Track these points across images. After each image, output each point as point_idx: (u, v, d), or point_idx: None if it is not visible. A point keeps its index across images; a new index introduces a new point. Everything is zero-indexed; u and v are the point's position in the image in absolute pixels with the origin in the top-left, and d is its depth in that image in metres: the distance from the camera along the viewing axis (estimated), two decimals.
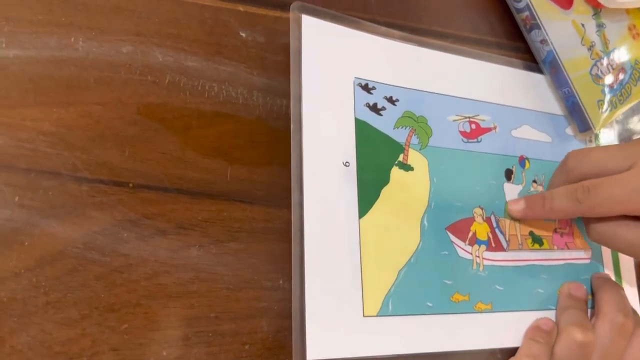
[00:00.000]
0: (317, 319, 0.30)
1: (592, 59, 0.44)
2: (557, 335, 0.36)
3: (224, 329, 0.30)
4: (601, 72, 0.44)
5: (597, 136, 0.47)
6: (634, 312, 0.38)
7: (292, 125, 0.33)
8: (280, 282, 0.32)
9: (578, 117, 0.44)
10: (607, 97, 0.44)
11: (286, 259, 0.32)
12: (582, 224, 0.43)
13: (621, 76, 0.45)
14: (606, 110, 0.44)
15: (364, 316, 0.32)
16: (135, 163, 0.30)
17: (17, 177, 0.28)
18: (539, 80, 0.45)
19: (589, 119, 0.44)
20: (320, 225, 0.32)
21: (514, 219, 0.40)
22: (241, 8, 0.35)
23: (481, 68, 0.42)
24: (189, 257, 0.30)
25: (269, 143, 0.33)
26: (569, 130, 0.45)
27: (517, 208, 0.39)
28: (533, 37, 0.44)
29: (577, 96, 0.44)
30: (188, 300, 0.30)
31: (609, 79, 0.44)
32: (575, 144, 0.45)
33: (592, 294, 0.40)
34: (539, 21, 0.44)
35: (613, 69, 0.44)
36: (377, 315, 0.32)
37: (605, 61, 0.44)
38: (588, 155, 0.38)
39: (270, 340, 0.31)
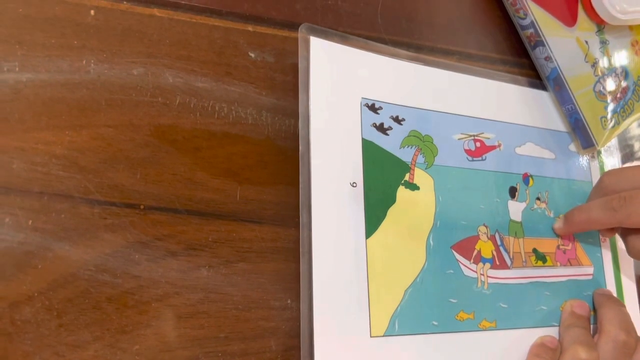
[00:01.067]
0: (325, 339, 0.31)
1: (596, 76, 0.44)
2: (561, 353, 0.36)
3: (234, 349, 0.30)
4: (604, 88, 0.44)
5: (599, 152, 0.47)
6: (635, 329, 0.38)
7: (300, 146, 0.33)
8: (289, 301, 0.32)
9: (581, 134, 0.45)
10: (610, 113, 0.44)
11: (294, 278, 0.32)
12: (585, 240, 0.43)
13: (624, 92, 0.45)
14: (609, 126, 0.44)
15: (371, 336, 0.32)
16: (146, 185, 0.30)
17: (30, 201, 0.28)
18: (542, 97, 0.45)
19: (592, 136, 0.44)
20: (328, 246, 0.32)
21: (517, 236, 0.40)
22: (250, 28, 0.35)
23: (486, 86, 0.42)
24: (199, 278, 0.30)
25: (278, 163, 0.34)
26: (572, 147, 0.46)
27: (559, 226, 0.41)
28: (537, 54, 0.45)
29: (580, 113, 0.44)
30: (198, 320, 0.30)
31: (612, 96, 0.44)
32: (578, 160, 0.46)
33: (594, 310, 0.41)
34: (543, 38, 0.44)
35: (616, 85, 0.45)
36: (384, 335, 0.33)
37: (608, 78, 0.44)
38: (624, 172, 0.39)
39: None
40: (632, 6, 0.42)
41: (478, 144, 0.40)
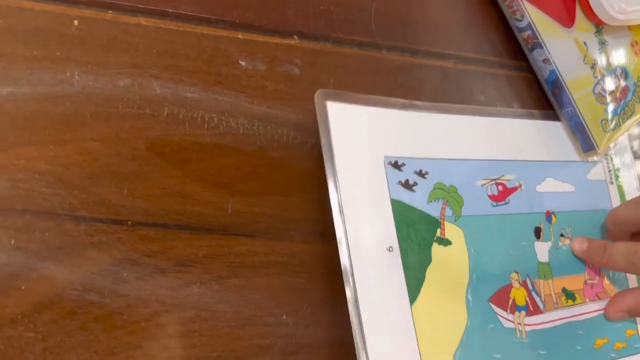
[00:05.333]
0: None
1: (595, 78, 0.43)
2: None
3: None
4: (604, 90, 0.43)
5: (617, 177, 0.47)
6: None
7: (334, 217, 0.31)
8: (284, 317, 0.31)
9: (581, 137, 0.44)
10: (611, 115, 0.43)
11: (288, 292, 0.31)
12: (610, 272, 0.43)
13: (624, 94, 0.44)
14: (610, 129, 0.43)
15: None
16: (134, 200, 0.29)
17: (13, 219, 0.27)
18: (556, 129, 0.44)
19: (592, 139, 0.43)
20: (378, 320, 0.31)
21: (546, 277, 0.39)
22: (240, 36, 0.34)
23: (501, 126, 0.41)
24: (190, 295, 0.29)
25: (270, 174, 0.33)
26: (591, 175, 0.45)
27: (578, 247, 0.40)
28: (535, 57, 0.44)
29: (580, 116, 0.43)
30: (189, 340, 0.29)
31: (612, 98, 0.43)
32: (597, 188, 0.45)
33: None
34: (540, 40, 0.43)
35: (616, 87, 0.44)
36: None
37: (608, 79, 0.44)
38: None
39: None
40: (630, 6, 0.41)
41: (500, 188, 0.39)
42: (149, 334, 0.28)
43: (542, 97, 0.44)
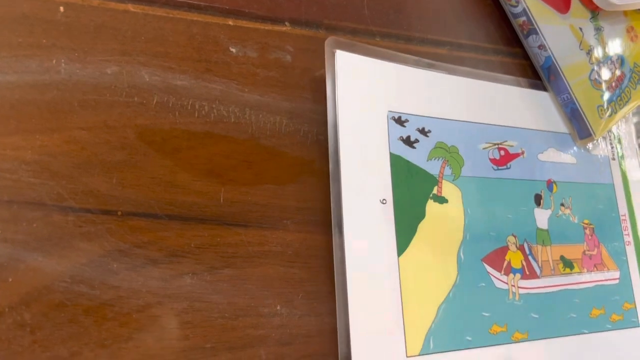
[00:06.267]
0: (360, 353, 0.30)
1: (591, 64, 0.43)
2: None
3: (221, 359, 0.29)
4: (600, 76, 0.43)
5: (621, 155, 0.46)
6: None
7: (330, 163, 0.32)
8: (278, 307, 0.31)
9: (578, 124, 0.44)
10: (607, 102, 0.43)
11: (283, 283, 0.31)
12: (610, 244, 0.43)
13: (620, 80, 0.44)
14: (606, 115, 0.43)
15: (407, 356, 0.31)
16: (123, 190, 0.29)
17: None
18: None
19: (589, 126, 0.43)
20: (362, 266, 0.31)
21: (544, 244, 0.39)
22: (231, 22, 0.34)
23: (508, 93, 0.42)
24: (182, 286, 0.29)
25: (263, 162, 0.32)
26: (592, 149, 0.45)
27: None
28: (530, 43, 0.43)
29: (576, 102, 0.43)
30: (182, 331, 0.28)
31: (608, 84, 0.43)
32: (599, 163, 0.45)
33: None
34: (536, 26, 0.43)
35: (612, 73, 0.43)
36: (419, 355, 0.32)
37: (604, 65, 0.43)
38: None
39: None
40: None
41: (502, 152, 0.39)
42: (141, 325, 0.28)
43: (537, 81, 0.44)
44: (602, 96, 0.43)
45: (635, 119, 0.49)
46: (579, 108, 0.43)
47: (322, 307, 0.31)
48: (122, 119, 0.30)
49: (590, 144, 0.45)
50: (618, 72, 0.44)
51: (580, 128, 0.44)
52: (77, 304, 0.27)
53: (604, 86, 0.43)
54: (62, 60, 0.29)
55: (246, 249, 0.31)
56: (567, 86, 0.43)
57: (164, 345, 0.28)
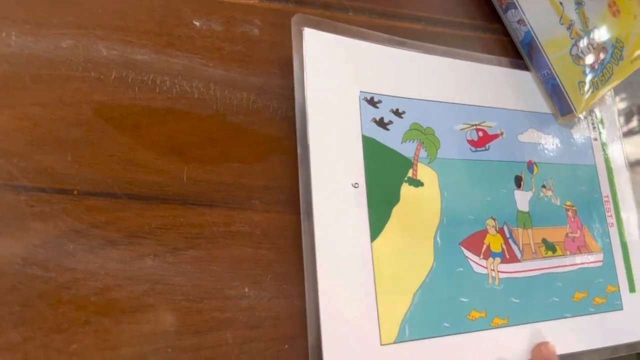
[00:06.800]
0: (334, 352, 0.29)
1: (572, 39, 0.42)
2: None
3: (185, 344, 0.28)
4: (581, 52, 0.42)
5: (602, 135, 0.45)
6: None
7: (298, 147, 0.31)
8: (246, 289, 0.29)
9: (559, 100, 0.43)
10: (589, 78, 0.42)
11: (250, 264, 0.30)
12: (593, 225, 0.42)
13: (602, 56, 0.42)
14: (588, 92, 0.42)
15: (381, 345, 0.30)
16: (80, 168, 0.27)
17: None
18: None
19: (570, 102, 0.42)
20: (333, 252, 0.30)
21: (525, 227, 0.38)
22: None
23: (485, 72, 0.40)
24: (143, 268, 0.28)
25: (229, 140, 0.31)
26: (574, 130, 0.44)
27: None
28: (510, 18, 0.42)
29: (557, 78, 0.42)
30: (144, 314, 0.27)
31: (589, 59, 0.42)
32: (581, 144, 0.44)
33: None
34: (515, 0, 0.42)
35: (594, 48, 0.42)
36: (394, 343, 0.31)
37: (585, 40, 0.42)
38: None
39: (237, 353, 0.28)
40: None
41: (480, 134, 0.38)
42: (99, 308, 0.26)
43: (518, 60, 0.43)
44: (583, 72, 0.42)
45: (618, 100, 0.49)
46: (560, 84, 0.42)
47: (292, 288, 0.30)
48: (78, 94, 0.28)
49: (573, 125, 0.44)
50: (599, 48, 0.42)
51: (561, 105, 0.43)
52: (31, 287, 0.26)
53: (585, 61, 0.42)
54: (13, 33, 0.28)
55: (211, 230, 0.29)
56: (547, 61, 0.42)
57: (123, 329, 0.27)
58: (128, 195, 0.28)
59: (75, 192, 0.27)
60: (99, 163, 0.28)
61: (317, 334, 0.29)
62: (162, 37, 0.31)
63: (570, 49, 0.42)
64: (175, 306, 0.28)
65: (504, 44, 0.43)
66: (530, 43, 0.42)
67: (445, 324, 0.33)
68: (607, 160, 0.45)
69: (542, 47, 0.42)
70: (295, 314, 0.30)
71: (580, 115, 0.43)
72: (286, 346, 0.29)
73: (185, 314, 0.28)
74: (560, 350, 0.36)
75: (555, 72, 0.42)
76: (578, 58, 0.42)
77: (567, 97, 0.42)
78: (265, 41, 0.33)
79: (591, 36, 0.42)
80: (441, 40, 0.39)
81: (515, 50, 0.43)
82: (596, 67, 0.42)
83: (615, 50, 0.43)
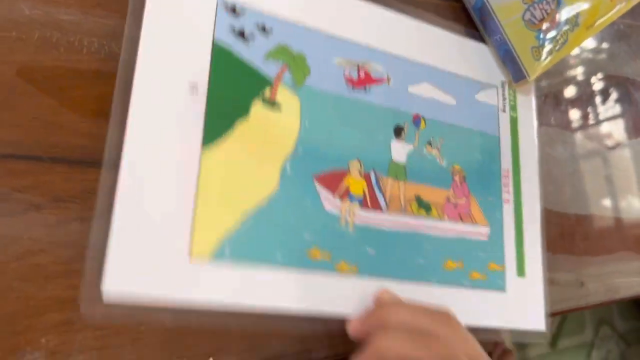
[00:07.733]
0: (121, 258, 0.26)
1: (525, 4, 0.41)
2: None
3: None
4: (535, 17, 0.41)
5: (513, 107, 0.44)
6: None
7: (124, 42, 0.28)
8: None
9: (511, 66, 0.42)
10: (542, 43, 0.41)
11: None
12: (484, 196, 0.40)
13: (557, 21, 0.42)
14: (542, 57, 0.41)
15: (190, 255, 0.28)
16: (0, 130, 0.26)
17: None
18: (460, 42, 0.42)
19: (523, 68, 0.42)
20: (145, 150, 0.28)
21: (397, 178, 0.36)
22: None
23: (384, 15, 0.38)
24: (70, 234, 0.27)
25: None
26: (480, 96, 0.42)
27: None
28: None
29: (509, 43, 0.41)
30: (70, 280, 0.26)
31: (543, 25, 0.41)
32: (485, 111, 0.42)
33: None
34: None
35: (547, 13, 0.42)
36: (209, 258, 0.28)
37: (539, 5, 0.41)
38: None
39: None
40: None
41: (362, 74, 0.36)
42: (21, 274, 0.26)
43: (471, 26, 0.42)
44: (537, 36, 0.41)
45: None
46: (512, 49, 0.41)
47: None
48: None
49: (479, 91, 0.42)
50: (554, 13, 0.42)
51: (514, 71, 0.42)
52: None
53: (539, 27, 0.41)
54: None
55: None
56: (499, 26, 0.41)
57: (49, 295, 0.26)
58: (52, 158, 0.27)
59: None
60: (21, 125, 0.27)
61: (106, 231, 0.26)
62: None
63: (523, 14, 0.41)
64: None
65: (456, 10, 0.42)
66: (482, 8, 0.42)
67: (278, 255, 0.30)
68: (514, 135, 0.43)
69: (493, 12, 0.41)
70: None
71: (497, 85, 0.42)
72: None
73: None
74: None
75: (507, 37, 0.41)
76: (531, 23, 0.41)
77: (520, 63, 0.41)
78: None
79: (545, 1, 0.42)
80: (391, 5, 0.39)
81: (468, 17, 0.42)
82: (550, 33, 0.41)
83: (571, 16, 0.42)
